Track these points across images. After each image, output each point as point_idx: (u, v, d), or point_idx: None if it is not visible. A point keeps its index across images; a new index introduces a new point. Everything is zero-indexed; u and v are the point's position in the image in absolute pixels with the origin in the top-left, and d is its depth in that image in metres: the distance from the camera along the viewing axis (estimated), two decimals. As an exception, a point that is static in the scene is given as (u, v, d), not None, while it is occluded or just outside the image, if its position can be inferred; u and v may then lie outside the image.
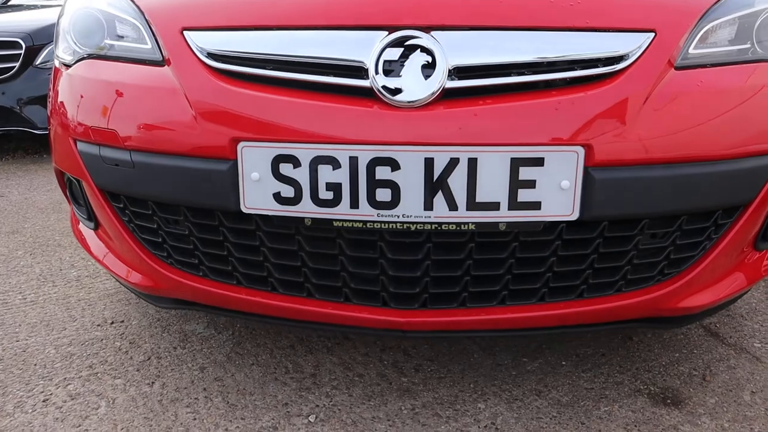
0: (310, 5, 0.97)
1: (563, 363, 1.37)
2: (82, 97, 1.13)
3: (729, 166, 0.98)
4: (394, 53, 0.90)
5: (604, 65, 0.93)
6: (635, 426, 1.15)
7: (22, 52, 3.29)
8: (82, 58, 1.16)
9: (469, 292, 0.99)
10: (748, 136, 0.99)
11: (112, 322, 1.55)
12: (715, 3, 1.03)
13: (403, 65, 0.90)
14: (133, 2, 1.12)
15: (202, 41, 1.01)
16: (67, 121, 1.16)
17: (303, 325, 1.07)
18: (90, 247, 1.31)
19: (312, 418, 1.17)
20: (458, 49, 0.91)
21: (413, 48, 0.90)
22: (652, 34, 0.96)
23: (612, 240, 0.98)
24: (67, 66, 1.19)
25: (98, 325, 1.53)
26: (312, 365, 1.35)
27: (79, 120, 1.13)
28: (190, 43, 1.01)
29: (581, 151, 0.90)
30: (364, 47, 0.92)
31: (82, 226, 1.37)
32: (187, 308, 1.18)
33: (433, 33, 0.91)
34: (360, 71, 0.92)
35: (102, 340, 1.46)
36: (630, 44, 0.94)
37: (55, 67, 1.26)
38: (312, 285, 1.03)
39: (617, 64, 0.93)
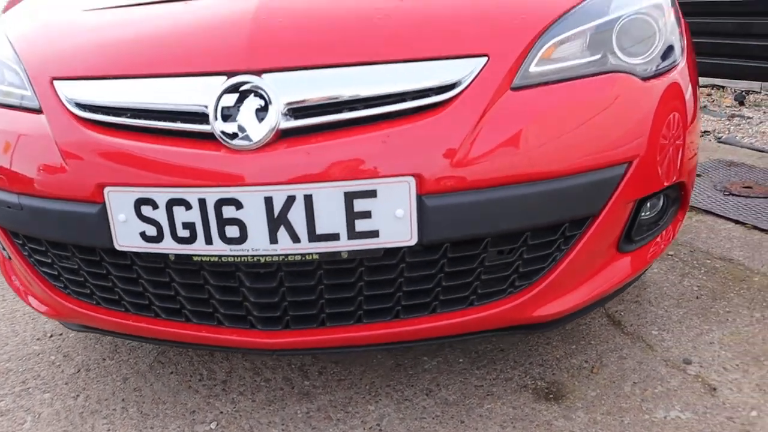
0: (156, 55, 1.02)
1: (460, 360, 1.44)
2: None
3: (568, 182, 1.02)
4: (231, 99, 0.96)
5: (436, 94, 0.98)
6: (511, 423, 1.24)
7: None
8: (-24, 103, 1.23)
9: (327, 313, 1.06)
10: (589, 150, 1.03)
11: (51, 336, 1.65)
12: (557, 19, 1.06)
13: (239, 110, 0.96)
14: (15, 51, 1.18)
15: (69, 91, 1.07)
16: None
17: (186, 345, 1.16)
18: (9, 277, 1.40)
19: (213, 425, 1.27)
20: (290, 89, 0.96)
21: (247, 92, 0.96)
22: (485, 59, 0.99)
23: (456, 259, 1.04)
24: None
25: (38, 339, 1.64)
26: (225, 371, 1.45)
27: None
28: (59, 93, 1.08)
29: (412, 181, 0.96)
30: (206, 94, 0.97)
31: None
32: (92, 332, 1.28)
33: (264, 76, 0.96)
34: (204, 117, 0.98)
35: (39, 354, 1.57)
36: (461, 72, 0.98)
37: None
38: (188, 311, 1.11)
39: (448, 92, 0.98)
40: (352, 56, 0.97)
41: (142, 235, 1.02)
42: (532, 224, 1.03)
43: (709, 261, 1.86)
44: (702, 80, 5.33)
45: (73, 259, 1.14)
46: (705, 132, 3.63)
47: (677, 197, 1.28)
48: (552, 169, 1.01)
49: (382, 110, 0.96)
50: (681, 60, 1.22)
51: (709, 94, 5.12)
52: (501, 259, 1.06)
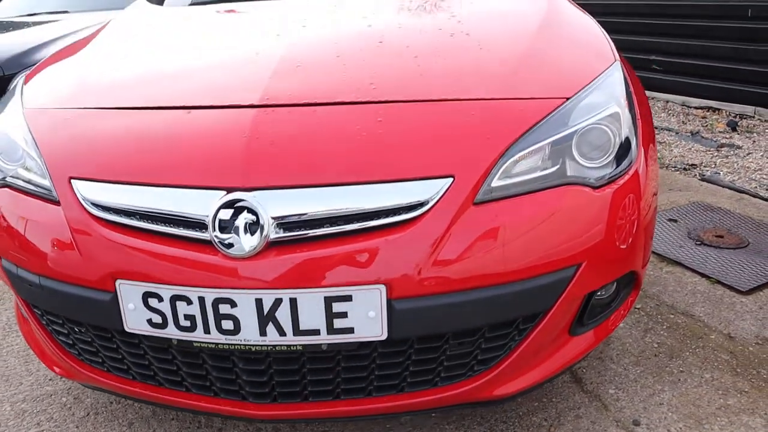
0: (163, 166, 1.17)
1: (433, 414, 1.59)
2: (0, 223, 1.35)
3: (520, 286, 1.17)
4: (227, 213, 1.10)
5: (406, 212, 1.12)
6: (472, 479, 1.39)
7: None
8: (2, 185, 1.37)
9: (309, 390, 1.21)
10: (541, 257, 1.17)
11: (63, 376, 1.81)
12: (519, 137, 1.19)
13: (234, 222, 1.10)
14: (35, 140, 1.33)
15: (85, 191, 1.21)
16: (-8, 239, 1.38)
17: (187, 411, 1.31)
18: (25, 333, 1.55)
19: (209, 475, 1.43)
20: (278, 206, 1.10)
21: (241, 209, 1.10)
22: (451, 179, 1.13)
23: (421, 350, 1.19)
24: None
25: (50, 380, 1.80)
26: (221, 419, 1.60)
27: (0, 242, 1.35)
28: (76, 191, 1.22)
29: (383, 288, 1.10)
30: (206, 206, 1.12)
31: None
32: (101, 391, 1.43)
33: (256, 193, 1.10)
34: (204, 226, 1.13)
35: (51, 395, 1.73)
36: (429, 192, 1.12)
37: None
38: (188, 383, 1.26)
39: (417, 210, 1.12)
40: (333, 177, 1.11)
41: (149, 321, 1.17)
42: (490, 322, 1.17)
43: (672, 316, 2.00)
44: (697, 102, 5.44)
45: (87, 333, 1.29)
46: (692, 165, 3.74)
47: (630, 281, 1.42)
48: (507, 274, 1.15)
49: (359, 226, 1.10)
50: (637, 157, 1.35)
51: (704, 117, 5.21)
52: (461, 349, 1.21)
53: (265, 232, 1.09)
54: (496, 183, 1.17)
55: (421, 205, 1.12)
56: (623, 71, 1.46)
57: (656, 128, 4.89)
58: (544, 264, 1.17)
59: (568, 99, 1.28)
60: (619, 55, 1.59)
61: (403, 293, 1.11)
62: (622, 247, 1.28)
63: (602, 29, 1.70)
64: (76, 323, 1.30)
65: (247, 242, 1.09)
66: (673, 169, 3.71)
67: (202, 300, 1.12)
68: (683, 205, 2.87)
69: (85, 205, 1.20)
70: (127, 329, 1.20)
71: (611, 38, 1.62)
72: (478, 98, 1.24)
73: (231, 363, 1.20)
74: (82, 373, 1.35)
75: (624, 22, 5.97)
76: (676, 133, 4.75)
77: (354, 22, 1.64)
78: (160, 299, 1.14)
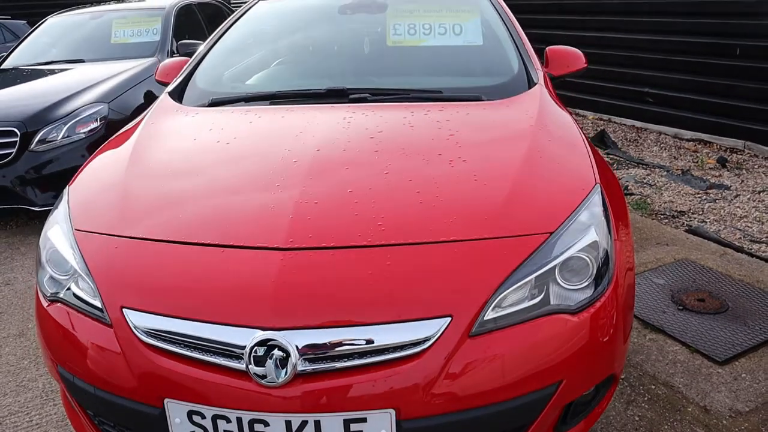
0: (203, 304, 1.36)
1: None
2: (54, 336, 1.53)
3: (509, 404, 1.36)
4: (261, 350, 1.30)
5: (410, 348, 1.31)
6: None
7: (18, 139, 3.65)
8: (55, 300, 1.56)
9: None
10: (526, 379, 1.36)
11: (101, 449, 2.00)
12: (508, 276, 1.38)
13: (266, 357, 1.29)
14: (88, 269, 1.51)
15: (136, 319, 1.40)
16: (48, 348, 1.58)
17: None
18: (73, 421, 1.74)
19: None
20: (304, 343, 1.29)
21: (273, 346, 1.29)
22: (449, 318, 1.32)
23: (426, 457, 1.38)
24: (47, 301, 1.60)
25: (90, 452, 1.99)
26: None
27: (54, 352, 1.54)
28: (127, 319, 1.41)
29: (393, 412, 1.29)
30: (242, 341, 1.31)
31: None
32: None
33: (284, 333, 1.29)
34: (241, 359, 1.32)
35: (92, 469, 1.92)
36: (430, 330, 1.31)
37: (37, 296, 1.65)
38: (226, 482, 1.46)
39: (420, 346, 1.31)
40: (351, 318, 1.30)
41: (193, 433, 1.37)
42: (484, 434, 1.37)
43: (653, 387, 2.19)
44: (689, 134, 5.64)
45: (136, 437, 1.49)
46: (680, 213, 3.92)
47: (608, 380, 1.61)
48: (496, 395, 1.34)
49: (371, 360, 1.30)
50: (614, 275, 1.53)
51: (695, 151, 5.40)
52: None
53: (293, 365, 1.29)
54: (488, 316, 1.36)
55: (424, 341, 1.31)
56: (601, 191, 1.65)
57: (647, 165, 5.09)
58: (529, 384, 1.36)
59: (551, 233, 1.47)
60: (595, 154, 1.77)
61: (409, 414, 1.30)
62: (600, 360, 1.47)
63: (586, 142, 1.89)
64: (126, 428, 1.49)
65: (278, 374, 1.29)
66: (662, 216, 3.89)
67: (239, 420, 1.31)
68: (669, 264, 3.06)
69: (136, 333, 1.39)
70: (173, 439, 1.39)
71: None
72: (472, 239, 1.43)
73: (264, 468, 1.39)
74: (129, 469, 1.54)
75: (618, 55, 6.18)
76: (667, 171, 4.93)
77: (361, 145, 1.81)
78: (203, 417, 1.34)
